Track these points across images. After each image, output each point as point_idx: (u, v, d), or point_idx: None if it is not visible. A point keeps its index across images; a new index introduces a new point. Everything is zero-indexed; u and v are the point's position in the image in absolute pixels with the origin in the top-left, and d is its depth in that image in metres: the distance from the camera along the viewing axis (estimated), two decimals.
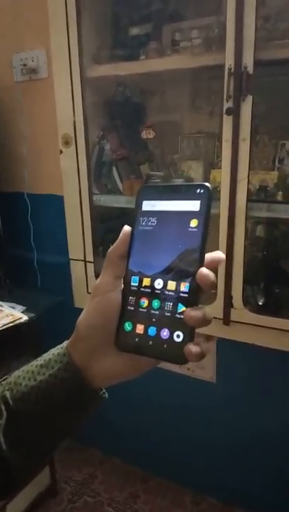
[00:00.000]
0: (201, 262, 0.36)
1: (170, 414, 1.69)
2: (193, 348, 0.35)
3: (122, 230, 0.40)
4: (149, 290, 0.38)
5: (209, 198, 0.37)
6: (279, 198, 1.20)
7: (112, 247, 0.41)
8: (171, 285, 0.37)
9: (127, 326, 0.39)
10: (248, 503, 1.61)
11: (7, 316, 1.42)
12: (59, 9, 1.28)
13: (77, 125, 1.37)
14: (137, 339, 0.38)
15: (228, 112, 1.10)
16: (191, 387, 1.58)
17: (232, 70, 1.07)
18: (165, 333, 0.37)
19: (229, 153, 1.14)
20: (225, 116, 1.12)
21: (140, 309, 0.39)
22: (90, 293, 1.33)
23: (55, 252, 1.65)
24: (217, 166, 1.32)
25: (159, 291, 0.38)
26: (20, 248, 1.72)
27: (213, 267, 0.37)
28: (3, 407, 0.41)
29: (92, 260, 1.51)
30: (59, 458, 1.90)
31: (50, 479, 1.72)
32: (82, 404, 0.42)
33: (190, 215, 0.37)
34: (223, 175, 1.17)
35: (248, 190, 1.20)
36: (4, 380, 0.44)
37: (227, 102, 1.10)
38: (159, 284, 0.38)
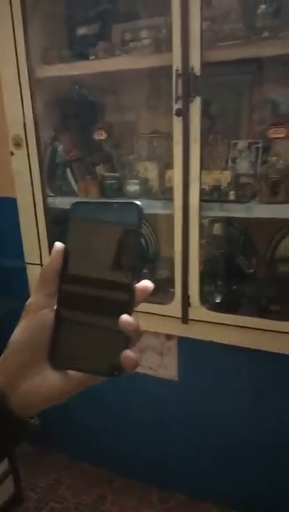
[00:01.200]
0: (134, 274, 0.37)
1: (134, 414, 1.69)
2: (130, 353, 0.36)
3: (54, 247, 0.40)
4: (84, 305, 0.39)
5: (140, 215, 0.38)
6: (232, 197, 1.22)
7: (45, 265, 0.40)
8: (106, 299, 0.38)
9: (62, 342, 0.39)
10: (214, 497, 1.64)
11: None
12: (4, 9, 1.24)
13: (28, 126, 1.34)
14: (71, 354, 0.38)
15: (178, 113, 1.11)
16: (154, 387, 1.59)
17: (179, 72, 1.07)
18: (100, 347, 0.38)
19: (180, 155, 1.15)
20: (175, 118, 1.12)
21: (73, 321, 0.39)
22: None
23: (11, 256, 1.60)
24: (173, 166, 1.33)
25: (93, 306, 0.38)
26: None
27: (144, 296, 0.38)
28: None
29: None
30: (24, 465, 1.87)
31: (15, 488, 1.68)
32: (6, 433, 0.40)
33: (122, 231, 0.38)
34: (176, 176, 1.18)
35: (202, 189, 1.22)
36: None
37: (176, 103, 1.10)
38: (93, 298, 0.38)
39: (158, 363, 1.55)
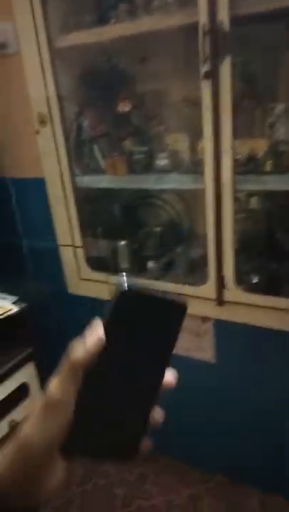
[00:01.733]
0: (164, 372, 0.38)
1: (173, 395, 1.66)
2: (148, 441, 0.38)
3: (94, 335, 0.35)
4: (111, 394, 0.36)
5: (183, 319, 0.37)
6: (269, 167, 1.10)
7: (79, 354, 0.35)
8: (135, 390, 0.37)
9: (79, 430, 0.35)
10: (255, 481, 1.59)
11: None
12: None
13: (51, 102, 1.29)
14: (88, 442, 0.36)
15: (206, 75, 1.00)
16: (191, 368, 1.54)
17: (206, 28, 0.96)
18: (120, 433, 0.38)
19: (210, 122, 1.04)
20: (203, 81, 1.01)
21: (96, 412, 0.36)
22: (83, 279, 1.26)
23: (44, 238, 1.59)
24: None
25: (120, 395, 0.37)
26: (8, 236, 1.67)
27: (165, 390, 0.38)
28: None
29: (82, 245, 1.46)
30: None
31: None
32: None
33: (163, 333, 0.37)
34: (206, 146, 1.08)
35: (236, 160, 1.11)
36: None
37: (204, 64, 0.99)
38: (122, 388, 0.37)
39: (194, 345, 1.49)
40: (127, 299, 0.35)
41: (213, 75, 0.99)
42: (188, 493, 1.66)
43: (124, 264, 1.48)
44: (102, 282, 1.46)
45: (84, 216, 1.46)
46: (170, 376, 0.38)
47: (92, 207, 1.51)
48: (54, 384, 0.35)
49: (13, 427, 1.44)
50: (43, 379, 1.56)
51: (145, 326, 0.36)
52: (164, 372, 0.37)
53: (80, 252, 1.48)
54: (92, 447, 0.36)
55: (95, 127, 1.35)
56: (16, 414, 1.46)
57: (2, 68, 1.46)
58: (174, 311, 0.37)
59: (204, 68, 1.00)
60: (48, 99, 1.28)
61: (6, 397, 1.41)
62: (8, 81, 1.46)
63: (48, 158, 1.37)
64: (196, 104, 1.26)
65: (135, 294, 0.35)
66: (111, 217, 1.53)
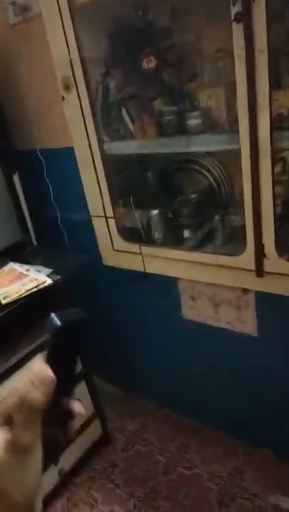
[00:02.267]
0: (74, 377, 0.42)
1: (218, 368, 1.61)
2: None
3: (49, 380, 0.35)
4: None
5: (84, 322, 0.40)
6: None
7: (42, 399, 0.35)
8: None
9: None
10: None
11: (31, 280, 1.39)
12: None
13: (75, 64, 1.21)
14: None
15: (237, 18, 0.87)
16: (232, 341, 1.47)
17: None
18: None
19: (244, 72, 0.92)
20: (234, 25, 0.89)
21: None
22: (116, 250, 1.21)
23: (77, 209, 1.56)
24: None
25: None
26: (42, 209, 1.66)
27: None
28: None
29: (113, 215, 1.41)
30: (113, 409, 1.96)
31: (102, 430, 1.77)
32: None
33: (76, 338, 0.40)
34: (239, 100, 0.96)
35: (280, 115, 0.99)
36: None
37: (234, 5, 0.87)
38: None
39: (235, 317, 1.42)
40: (59, 334, 0.38)
41: (244, 17, 0.86)
42: (232, 465, 1.63)
43: (159, 234, 1.41)
44: (136, 254, 1.41)
45: (115, 185, 1.40)
46: (79, 407, 0.40)
47: (123, 175, 1.45)
48: (29, 431, 0.34)
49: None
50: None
51: (69, 345, 0.39)
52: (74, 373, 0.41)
53: (112, 222, 1.43)
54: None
55: (122, 88, 1.26)
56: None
57: (26, 33, 1.40)
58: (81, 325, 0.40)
59: (235, 9, 0.87)
60: (71, 61, 1.21)
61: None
62: (32, 46, 1.41)
63: (75, 126, 1.32)
64: (231, 54, 1.13)
65: (64, 326, 0.38)
66: (143, 186, 1.46)
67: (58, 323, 0.37)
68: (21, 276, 1.44)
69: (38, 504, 0.36)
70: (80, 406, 0.40)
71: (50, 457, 0.38)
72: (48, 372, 0.35)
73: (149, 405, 1.98)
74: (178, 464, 1.68)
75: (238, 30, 0.89)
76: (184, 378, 1.74)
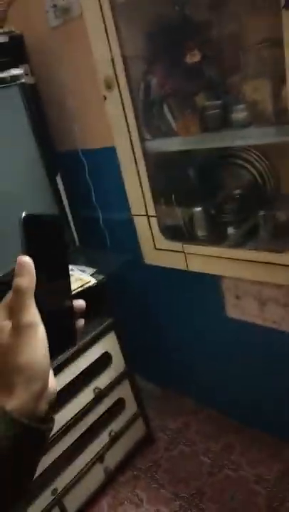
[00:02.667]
0: (67, 268, 0.48)
1: (262, 367, 1.57)
2: (80, 323, 0.49)
3: (24, 262, 0.42)
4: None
5: (63, 223, 0.50)
6: None
7: (25, 280, 0.41)
8: (61, 292, 0.48)
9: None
10: None
11: (76, 280, 1.40)
12: None
13: (117, 63, 1.21)
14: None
15: (287, 5, 0.84)
16: (280, 343, 1.43)
17: None
18: (64, 329, 0.48)
19: None
20: (284, 12, 0.85)
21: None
22: (158, 248, 1.21)
23: (118, 208, 1.56)
24: None
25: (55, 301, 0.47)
26: (84, 209, 1.67)
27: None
28: None
29: (155, 214, 1.40)
30: (153, 407, 1.95)
31: (145, 429, 1.77)
32: (41, 440, 0.41)
33: (57, 237, 0.47)
34: None
35: None
36: None
37: None
38: (54, 295, 0.46)
39: (282, 316, 1.37)
40: (29, 225, 0.43)
41: None
42: (279, 468, 1.59)
43: (202, 231, 1.39)
44: (178, 252, 1.39)
45: (156, 183, 1.38)
46: (80, 302, 0.48)
47: (165, 172, 1.43)
48: (26, 311, 0.40)
49: (98, 394, 1.49)
50: (124, 347, 1.57)
51: (47, 240, 0.45)
52: (68, 271, 0.47)
53: (154, 221, 1.42)
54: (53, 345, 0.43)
55: (164, 85, 1.24)
56: (100, 381, 1.50)
57: (66, 35, 1.41)
58: (57, 224, 0.46)
59: None
60: (112, 60, 1.20)
61: (90, 365, 1.45)
62: (73, 47, 1.42)
63: (116, 125, 1.31)
64: (278, 43, 1.09)
65: (33, 219, 0.44)
66: (185, 182, 1.44)
67: (22, 215, 0.43)
68: None
69: (52, 382, 0.43)
70: (80, 301, 0.48)
71: (64, 345, 0.46)
72: (23, 258, 0.42)
73: (190, 404, 1.96)
74: (223, 465, 1.66)
75: (288, 19, 0.85)
76: (227, 377, 1.71)
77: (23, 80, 1.25)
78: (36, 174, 1.36)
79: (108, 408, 1.56)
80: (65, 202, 1.50)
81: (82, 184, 1.62)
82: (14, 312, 0.41)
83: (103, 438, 1.56)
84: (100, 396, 1.50)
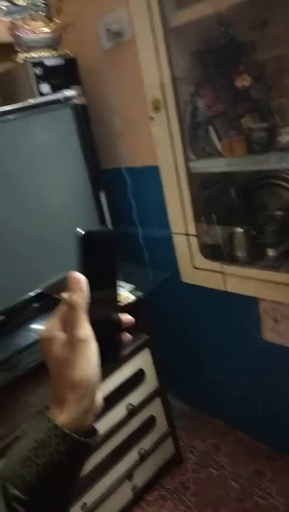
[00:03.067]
0: (116, 284, 0.49)
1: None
2: (128, 338, 0.50)
3: (78, 279, 0.44)
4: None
5: (113, 236, 0.49)
6: None
7: (79, 295, 0.43)
8: (109, 307, 0.49)
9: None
10: None
11: None
12: None
13: (166, 85, 1.24)
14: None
15: None
16: None
17: None
18: (112, 343, 0.48)
19: None
20: None
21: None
22: (196, 267, 1.22)
23: (158, 226, 1.58)
24: None
25: (104, 315, 0.48)
26: (124, 225, 1.70)
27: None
28: (17, 506, 0.39)
29: (195, 233, 1.41)
30: (181, 426, 1.93)
31: (174, 448, 1.74)
32: (87, 453, 0.43)
33: (110, 253, 0.48)
34: None
35: None
36: None
37: None
38: (103, 309, 0.47)
39: None
40: (86, 242, 0.45)
41: None
42: None
43: (241, 252, 1.38)
44: (216, 272, 1.39)
45: (198, 202, 1.40)
46: (128, 316, 0.49)
47: (207, 192, 1.44)
48: (80, 326, 0.42)
49: (130, 411, 1.49)
50: (158, 365, 1.57)
51: (100, 255, 0.46)
52: (116, 285, 0.48)
53: (194, 240, 1.43)
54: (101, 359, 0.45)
55: (211, 106, 1.27)
56: (133, 398, 1.51)
57: (118, 57, 1.46)
58: (110, 239, 0.47)
59: None
60: (162, 83, 1.24)
61: (124, 381, 1.45)
62: (123, 70, 1.47)
63: (161, 145, 1.34)
64: None
65: (89, 235, 0.45)
66: (226, 202, 1.45)
67: (82, 232, 0.44)
68: None
69: (99, 396, 0.45)
70: (128, 315, 0.49)
71: (109, 358, 0.46)
72: (78, 274, 0.43)
73: (220, 426, 1.93)
74: (252, 492, 1.61)
75: None
76: (260, 402, 1.68)
77: (75, 101, 1.31)
78: (82, 190, 1.41)
79: (139, 425, 1.55)
80: (108, 218, 1.54)
81: (124, 201, 1.66)
82: (69, 326, 0.42)
83: (133, 455, 1.56)
84: (132, 413, 1.50)
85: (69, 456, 0.40)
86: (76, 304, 0.42)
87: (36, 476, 0.40)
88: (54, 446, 0.40)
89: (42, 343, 0.44)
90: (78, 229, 0.44)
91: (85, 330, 0.42)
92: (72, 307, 0.42)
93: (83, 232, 0.44)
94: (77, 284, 0.43)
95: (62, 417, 0.41)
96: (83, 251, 0.44)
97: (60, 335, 0.43)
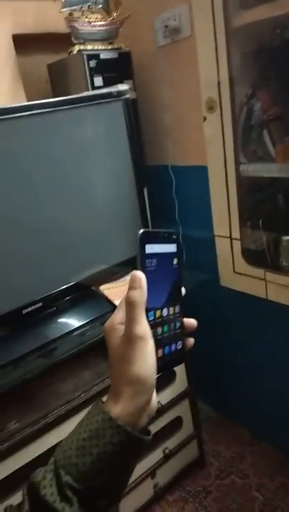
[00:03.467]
0: (181, 286, 0.50)
1: None
2: (191, 342, 0.51)
3: (138, 277, 0.44)
4: (160, 319, 0.47)
5: (179, 241, 0.50)
6: None
7: (138, 293, 0.43)
8: (171, 310, 0.48)
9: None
10: None
11: None
12: None
13: (222, 86, 1.22)
14: (159, 362, 0.45)
15: None
16: None
17: None
18: (173, 347, 0.48)
19: None
20: None
21: (157, 337, 0.46)
22: (237, 272, 1.20)
23: (200, 227, 1.56)
24: None
25: (165, 318, 0.47)
26: (165, 223, 1.68)
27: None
28: (69, 493, 0.40)
29: (239, 237, 1.38)
30: (206, 430, 1.91)
31: (198, 452, 1.73)
32: (140, 449, 0.43)
33: (172, 255, 0.49)
34: None
35: None
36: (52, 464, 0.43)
37: None
38: (165, 312, 0.47)
39: None
40: (147, 236, 0.46)
41: None
42: None
43: (286, 260, 1.35)
44: (259, 278, 1.36)
45: (244, 206, 1.37)
46: (192, 320, 0.50)
47: (254, 196, 1.41)
48: (138, 323, 0.42)
49: (158, 409, 1.49)
50: (189, 366, 1.56)
51: (162, 256, 0.47)
52: (181, 285, 0.49)
53: (237, 244, 1.41)
54: (163, 366, 0.46)
55: (267, 110, 1.23)
56: (162, 397, 1.50)
57: (174, 54, 1.44)
58: (174, 240, 0.49)
59: None
60: (219, 83, 1.21)
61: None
62: (177, 67, 1.45)
63: (213, 145, 1.32)
64: None
65: (149, 235, 0.46)
66: (275, 209, 1.41)
67: (140, 231, 0.45)
68: None
69: (154, 399, 0.45)
70: (192, 319, 0.50)
71: (173, 362, 0.48)
72: (137, 273, 0.44)
73: (246, 434, 1.90)
74: (277, 505, 1.58)
75: None
76: (282, 413, 1.64)
77: (127, 96, 1.30)
78: (126, 185, 1.40)
79: (166, 424, 1.55)
80: (148, 215, 1.53)
81: (168, 199, 1.64)
82: (127, 323, 0.43)
83: (158, 454, 1.56)
84: (160, 411, 1.49)
85: (122, 449, 0.41)
86: (135, 301, 0.43)
87: (90, 465, 0.40)
88: (108, 437, 0.41)
89: (105, 332, 0.45)
90: (140, 229, 0.46)
91: (143, 327, 0.43)
92: (130, 304, 0.43)
93: (141, 231, 0.45)
94: (137, 282, 0.43)
95: (117, 410, 0.42)
96: (141, 250, 0.45)
97: (122, 329, 0.44)
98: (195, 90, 1.32)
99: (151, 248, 0.46)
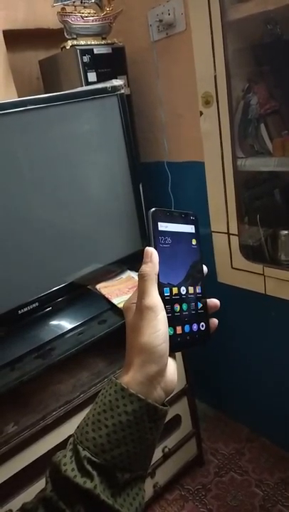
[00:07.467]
0: (202, 268, 0.51)
1: None
2: (215, 323, 0.52)
3: (149, 252, 0.46)
4: (178, 297, 0.47)
5: (198, 223, 0.51)
6: None
7: (149, 267, 0.45)
8: (191, 290, 0.49)
9: (170, 331, 0.45)
10: None
11: None
12: None
13: (219, 80, 1.21)
14: (179, 339, 0.46)
15: None
16: None
17: None
18: (195, 327, 0.49)
19: None
20: None
21: (175, 314, 0.47)
22: (235, 268, 1.19)
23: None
24: None
25: (184, 296, 0.48)
26: None
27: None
28: (88, 467, 0.40)
29: (237, 233, 1.37)
30: (206, 428, 1.91)
31: (197, 450, 1.72)
32: (156, 418, 0.43)
33: (191, 235, 0.50)
34: None
35: None
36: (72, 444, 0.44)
37: None
38: (183, 290, 0.48)
39: None
40: (160, 215, 0.47)
41: None
42: None
43: (286, 255, 1.34)
44: (257, 274, 1.36)
45: (241, 202, 1.36)
46: (214, 300, 0.52)
47: (252, 191, 1.40)
48: (148, 295, 0.44)
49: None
50: (187, 364, 1.55)
51: (178, 234, 0.48)
52: (202, 262, 0.51)
53: (235, 239, 1.40)
54: (182, 342, 0.47)
55: (264, 104, 1.23)
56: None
57: (169, 49, 1.43)
58: (190, 218, 0.50)
59: None
60: (215, 77, 1.20)
61: None
62: (172, 62, 1.43)
63: (209, 141, 1.31)
64: None
65: (163, 210, 0.47)
66: (272, 203, 1.41)
67: (153, 209, 0.46)
68: None
69: (172, 372, 0.45)
70: (214, 300, 0.52)
71: (197, 340, 0.49)
72: (149, 249, 0.46)
73: (244, 431, 1.89)
74: (277, 501, 1.57)
75: None
76: (288, 410, 1.64)
77: (122, 91, 1.28)
78: (121, 181, 1.38)
79: (165, 423, 1.53)
80: (144, 212, 1.51)
81: (163, 195, 1.63)
82: (139, 295, 0.45)
83: (157, 453, 1.54)
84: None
85: (136, 417, 0.41)
86: (146, 274, 0.45)
87: (106, 437, 0.41)
88: (121, 407, 0.42)
89: (123, 311, 0.48)
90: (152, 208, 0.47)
91: (153, 298, 0.44)
92: (142, 277, 0.45)
93: (152, 209, 0.47)
94: (149, 257, 0.45)
95: (126, 378, 0.43)
96: (152, 227, 0.46)
97: (133, 305, 0.46)
98: (190, 85, 1.31)
99: (165, 226, 0.47)
